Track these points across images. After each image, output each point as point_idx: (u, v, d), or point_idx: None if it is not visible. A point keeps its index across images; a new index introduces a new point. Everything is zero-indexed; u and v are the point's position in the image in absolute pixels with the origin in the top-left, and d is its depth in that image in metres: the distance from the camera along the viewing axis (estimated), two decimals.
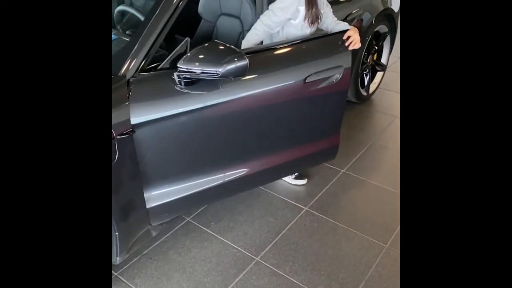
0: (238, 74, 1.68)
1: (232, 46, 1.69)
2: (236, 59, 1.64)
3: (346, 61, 2.13)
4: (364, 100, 3.45)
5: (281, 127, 2.11)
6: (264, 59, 1.97)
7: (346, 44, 2.06)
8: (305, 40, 2.07)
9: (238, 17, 2.61)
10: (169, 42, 3.11)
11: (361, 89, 3.31)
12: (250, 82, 1.88)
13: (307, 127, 2.22)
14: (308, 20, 2.07)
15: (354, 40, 2.05)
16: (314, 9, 2.04)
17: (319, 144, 2.30)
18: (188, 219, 2.25)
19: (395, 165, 2.71)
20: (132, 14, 2.48)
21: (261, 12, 2.35)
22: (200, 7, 2.74)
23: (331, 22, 2.16)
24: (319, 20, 2.11)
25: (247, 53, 1.84)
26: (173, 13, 1.79)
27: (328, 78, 2.09)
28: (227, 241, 2.11)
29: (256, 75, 1.90)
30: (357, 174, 2.63)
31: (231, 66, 1.64)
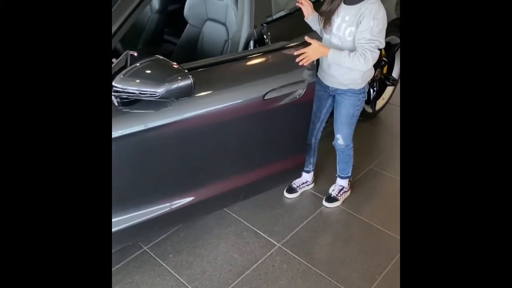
0: (181, 95, 1.50)
1: (175, 65, 1.49)
2: (178, 78, 1.46)
3: (309, 75, 1.91)
4: (369, 117, 3.13)
5: (237, 149, 1.90)
6: (217, 74, 1.75)
7: (297, 60, 1.83)
8: (262, 53, 1.87)
9: (224, 24, 2.36)
10: (157, 44, 2.95)
11: (365, 106, 2.99)
12: (200, 101, 1.67)
13: (268, 148, 2.01)
14: (322, 17, 1.95)
15: (306, 56, 1.81)
16: (329, 6, 1.91)
17: (282, 164, 2.11)
18: (145, 248, 2.04)
19: (390, 198, 2.40)
20: None
21: (242, 18, 2.09)
22: (186, 11, 2.51)
23: (356, 43, 1.83)
24: (329, 26, 1.92)
25: (196, 69, 1.66)
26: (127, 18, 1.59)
27: (290, 94, 1.87)
28: (181, 279, 1.89)
29: (208, 92, 1.69)
30: (344, 206, 2.34)
31: (172, 87, 1.45)
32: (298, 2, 2.03)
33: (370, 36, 1.78)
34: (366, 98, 2.07)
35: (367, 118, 3.11)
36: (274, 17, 2.17)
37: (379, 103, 3.17)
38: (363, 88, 2.02)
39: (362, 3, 1.82)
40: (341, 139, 2.17)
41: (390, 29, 2.79)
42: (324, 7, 1.96)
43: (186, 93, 1.49)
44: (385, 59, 2.98)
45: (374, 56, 1.79)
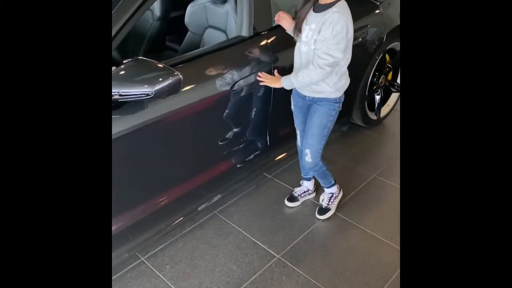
0: (172, 91, 1.55)
1: (159, 63, 1.53)
2: (168, 76, 1.51)
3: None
4: (373, 124, 3.08)
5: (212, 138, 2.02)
6: (191, 70, 1.81)
7: (258, 79, 1.97)
8: (222, 48, 1.97)
9: (224, 31, 2.34)
10: (159, 50, 2.94)
11: (369, 112, 2.94)
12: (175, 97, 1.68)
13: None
14: (297, 24, 1.90)
15: (266, 81, 1.96)
16: (299, 13, 1.87)
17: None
18: (142, 258, 2.01)
19: (393, 209, 2.35)
20: None
21: (241, 25, 2.07)
22: (187, 18, 2.50)
23: (315, 53, 1.81)
24: (300, 33, 1.88)
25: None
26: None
27: (252, 84, 2.00)
28: None
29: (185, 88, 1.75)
30: (347, 216, 2.29)
31: (164, 84, 1.49)
32: (276, 20, 1.99)
33: (325, 49, 1.75)
34: (341, 109, 2.01)
35: (371, 126, 3.06)
36: (274, 24, 2.15)
37: (384, 110, 3.11)
38: (339, 98, 1.97)
39: (326, 10, 1.76)
40: (309, 155, 2.06)
41: (395, 35, 2.76)
42: (297, 14, 1.91)
43: (176, 90, 1.54)
44: (390, 65, 2.93)
45: (322, 72, 1.79)
